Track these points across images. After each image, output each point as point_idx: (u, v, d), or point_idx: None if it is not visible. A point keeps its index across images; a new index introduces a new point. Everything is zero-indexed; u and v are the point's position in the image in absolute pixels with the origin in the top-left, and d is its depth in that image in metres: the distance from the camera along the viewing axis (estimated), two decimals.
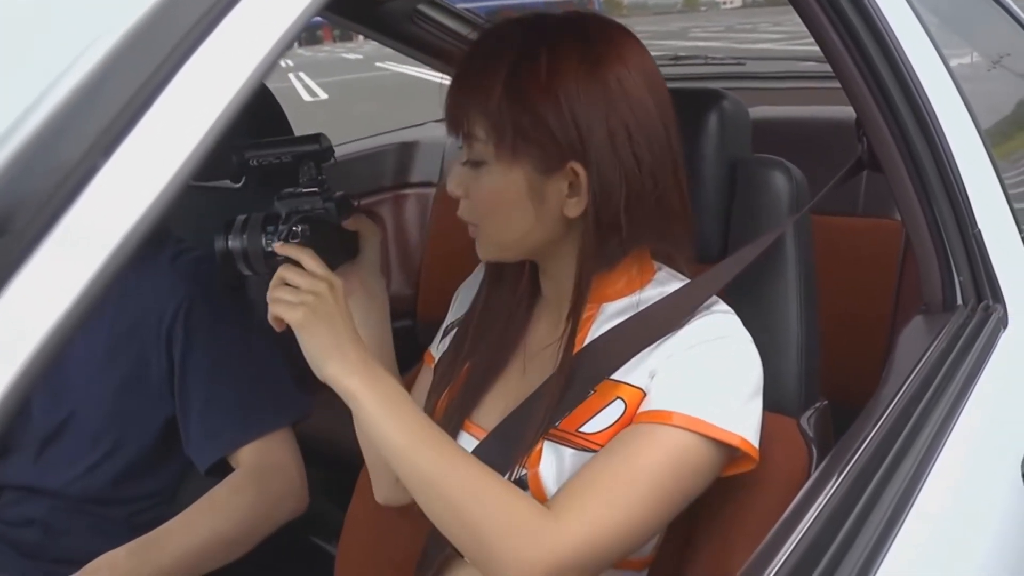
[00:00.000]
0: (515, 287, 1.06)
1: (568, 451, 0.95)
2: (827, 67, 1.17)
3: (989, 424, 1.14)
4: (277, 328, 0.93)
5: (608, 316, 0.98)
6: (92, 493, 1.33)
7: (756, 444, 0.93)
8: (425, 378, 1.14)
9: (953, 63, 1.33)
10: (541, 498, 0.94)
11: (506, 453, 0.96)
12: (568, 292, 0.97)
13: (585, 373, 0.96)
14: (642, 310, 0.96)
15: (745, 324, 0.97)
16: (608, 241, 0.93)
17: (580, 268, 0.95)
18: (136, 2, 0.44)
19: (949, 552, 0.98)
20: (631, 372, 0.94)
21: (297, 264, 0.93)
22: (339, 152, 2.40)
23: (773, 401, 1.05)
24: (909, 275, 1.73)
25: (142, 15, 0.43)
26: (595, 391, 0.95)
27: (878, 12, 1.11)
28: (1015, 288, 1.28)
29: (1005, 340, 1.22)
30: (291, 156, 1.02)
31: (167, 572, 1.21)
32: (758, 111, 1.38)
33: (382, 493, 1.17)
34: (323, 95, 16.17)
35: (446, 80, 0.96)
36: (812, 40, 1.14)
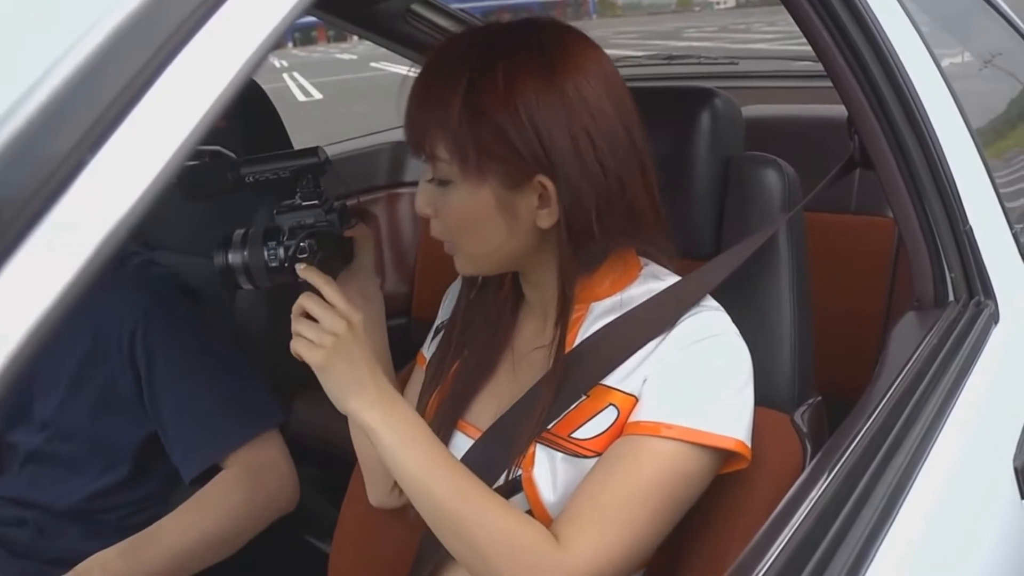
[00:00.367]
0: (498, 292, 1.07)
1: (559, 456, 0.95)
2: (820, 66, 1.18)
3: (981, 419, 1.14)
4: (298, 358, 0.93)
5: (597, 316, 0.99)
6: (82, 505, 1.33)
7: (749, 443, 0.93)
8: (417, 378, 1.14)
9: (945, 63, 1.34)
10: (535, 501, 0.95)
11: (501, 454, 0.97)
12: (551, 297, 0.98)
13: (576, 376, 0.96)
14: (631, 309, 0.96)
15: (738, 321, 0.97)
16: (584, 246, 0.94)
17: (562, 276, 0.95)
18: None
19: (941, 547, 0.98)
20: (624, 378, 0.95)
21: (315, 290, 0.93)
22: (333, 151, 2.40)
23: (767, 397, 1.06)
24: (902, 272, 1.74)
25: (132, 10, 0.43)
26: (588, 396, 0.96)
27: (869, 11, 1.11)
28: (1006, 284, 1.29)
29: (996, 335, 1.22)
30: (290, 171, 1.01)
31: (159, 571, 1.21)
32: (751, 110, 1.38)
33: (376, 496, 1.17)
34: (317, 95, 16.16)
35: None
36: (806, 40, 1.15)
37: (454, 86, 0.89)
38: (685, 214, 1.14)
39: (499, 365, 1.06)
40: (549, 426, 0.96)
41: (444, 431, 1.03)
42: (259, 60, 0.47)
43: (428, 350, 1.15)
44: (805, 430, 1.04)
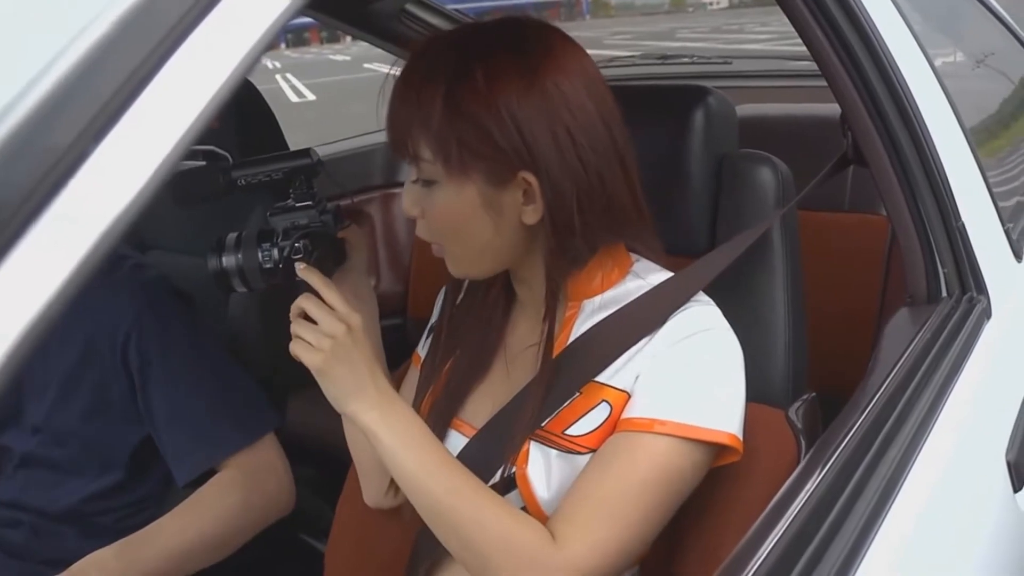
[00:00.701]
0: (488, 291, 1.07)
1: (554, 453, 0.96)
2: (813, 66, 1.18)
3: (973, 413, 1.15)
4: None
5: (590, 313, 0.99)
6: (78, 508, 1.33)
7: (741, 436, 0.94)
8: (413, 378, 1.15)
9: (938, 62, 1.35)
10: (530, 498, 0.96)
11: (495, 452, 0.97)
12: (542, 295, 0.99)
13: (570, 373, 0.97)
14: (624, 306, 0.97)
15: (733, 317, 0.97)
16: (569, 241, 0.94)
17: (548, 272, 0.96)
18: None
19: (935, 540, 0.99)
20: (617, 374, 0.95)
21: (314, 292, 0.93)
22: (328, 152, 2.41)
23: (761, 393, 1.06)
24: (895, 269, 1.74)
25: (131, 5, 0.44)
26: (581, 393, 0.96)
27: (863, 11, 1.12)
28: (998, 280, 1.30)
29: (989, 331, 1.23)
30: (282, 173, 1.01)
31: (155, 571, 1.21)
32: (745, 109, 1.39)
33: (371, 497, 1.18)
34: (311, 96, 16.15)
35: None
36: (799, 40, 1.15)
37: (435, 86, 0.89)
38: (680, 211, 1.14)
39: (493, 364, 1.06)
40: (543, 423, 0.96)
41: (438, 430, 1.03)
42: (257, 55, 0.47)
43: (423, 349, 1.15)
44: (800, 426, 1.05)
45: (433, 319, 1.16)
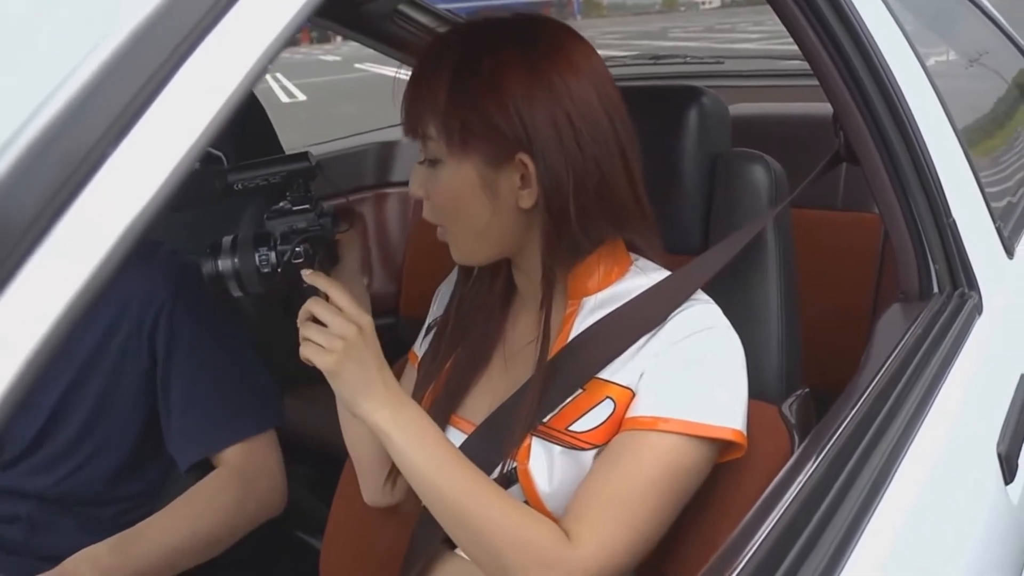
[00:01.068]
0: (491, 285, 1.08)
1: (557, 448, 0.97)
2: (806, 65, 1.19)
3: (965, 406, 1.16)
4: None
5: (590, 310, 1.00)
6: (76, 494, 1.33)
7: (745, 431, 0.96)
8: (409, 377, 1.15)
9: (931, 62, 1.36)
10: (531, 492, 0.97)
11: (495, 447, 0.98)
12: (547, 290, 1.00)
13: (570, 370, 0.97)
14: (625, 303, 0.98)
15: (727, 314, 0.98)
16: (565, 229, 0.95)
17: (544, 259, 0.97)
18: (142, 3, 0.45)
19: (926, 530, 1.00)
20: (619, 371, 0.96)
21: (321, 295, 0.93)
22: (320, 152, 2.41)
23: (755, 389, 1.07)
24: (888, 267, 1.75)
25: (148, 14, 0.45)
26: (584, 390, 0.97)
27: (854, 11, 1.13)
28: (989, 276, 1.31)
29: (980, 326, 1.24)
30: (280, 176, 1.00)
31: (149, 567, 1.21)
32: (737, 108, 1.40)
33: (370, 495, 1.18)
34: (301, 96, 16.10)
35: None
36: (792, 40, 1.16)
37: (444, 71, 0.93)
38: (674, 210, 1.15)
39: (492, 360, 1.07)
40: (545, 419, 0.97)
41: (439, 423, 1.03)
42: (271, 56, 0.49)
43: (420, 348, 1.16)
44: (793, 421, 1.05)
45: (430, 318, 1.17)
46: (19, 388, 0.40)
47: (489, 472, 0.97)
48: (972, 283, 1.27)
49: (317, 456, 1.53)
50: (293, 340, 0.94)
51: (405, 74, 0.99)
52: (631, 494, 0.90)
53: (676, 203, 1.15)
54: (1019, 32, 2.24)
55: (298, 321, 0.93)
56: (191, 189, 1.01)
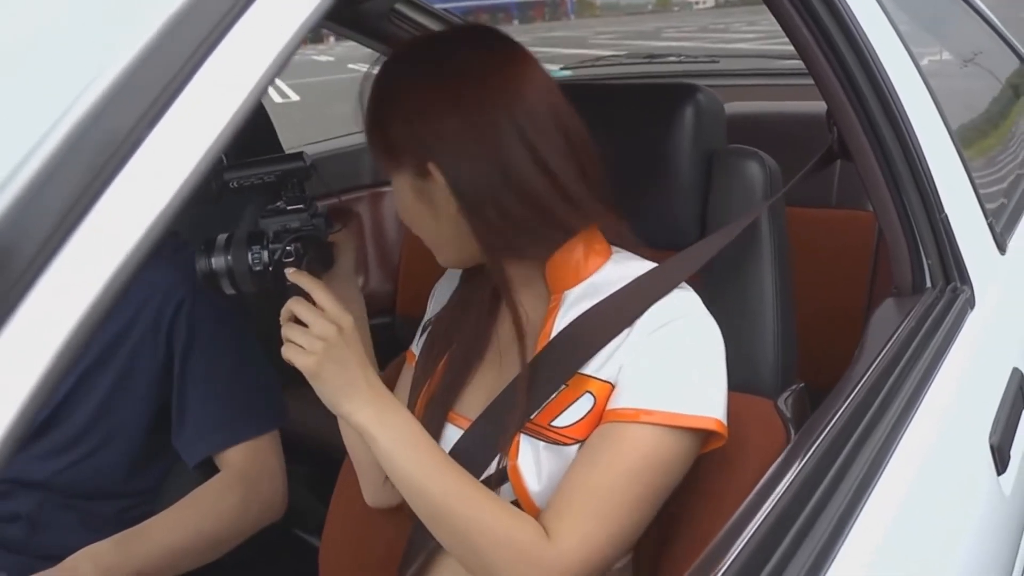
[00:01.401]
0: (483, 284, 1.08)
1: (542, 444, 0.97)
2: (800, 64, 1.20)
3: (957, 398, 1.17)
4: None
5: (571, 303, 1.00)
6: (79, 487, 1.33)
7: (726, 420, 0.95)
8: (407, 376, 1.16)
9: (924, 61, 1.37)
10: (521, 491, 0.97)
11: (487, 445, 0.99)
12: (525, 287, 1.02)
13: (555, 365, 0.98)
14: (606, 297, 0.98)
15: (723, 309, 0.99)
16: (497, 233, 0.96)
17: (488, 260, 0.99)
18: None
19: (919, 519, 1.01)
20: (601, 366, 0.96)
21: (304, 294, 0.93)
22: (316, 151, 2.41)
23: (751, 383, 1.08)
24: (883, 265, 1.76)
25: (172, 13, 0.47)
26: (567, 385, 0.97)
27: (848, 10, 1.14)
28: (982, 270, 1.32)
29: (972, 320, 1.26)
30: (275, 175, 1.01)
31: (150, 567, 1.21)
32: (732, 107, 1.40)
33: (371, 496, 1.19)
34: (295, 97, 16.06)
35: None
36: (786, 39, 1.17)
37: (372, 99, 0.99)
38: (670, 207, 1.16)
39: (486, 356, 1.08)
40: (532, 416, 0.98)
41: (435, 423, 1.05)
42: (291, 51, 0.51)
43: (417, 347, 1.16)
44: (788, 415, 1.06)
45: (427, 317, 1.18)
46: (67, 353, 0.42)
47: (482, 470, 0.98)
48: (964, 278, 1.28)
49: (316, 456, 1.54)
50: None
51: None
52: (611, 488, 0.90)
53: (673, 200, 1.16)
54: (1012, 32, 2.26)
55: (280, 320, 0.93)
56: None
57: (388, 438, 0.91)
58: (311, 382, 0.92)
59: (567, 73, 2.90)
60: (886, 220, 1.23)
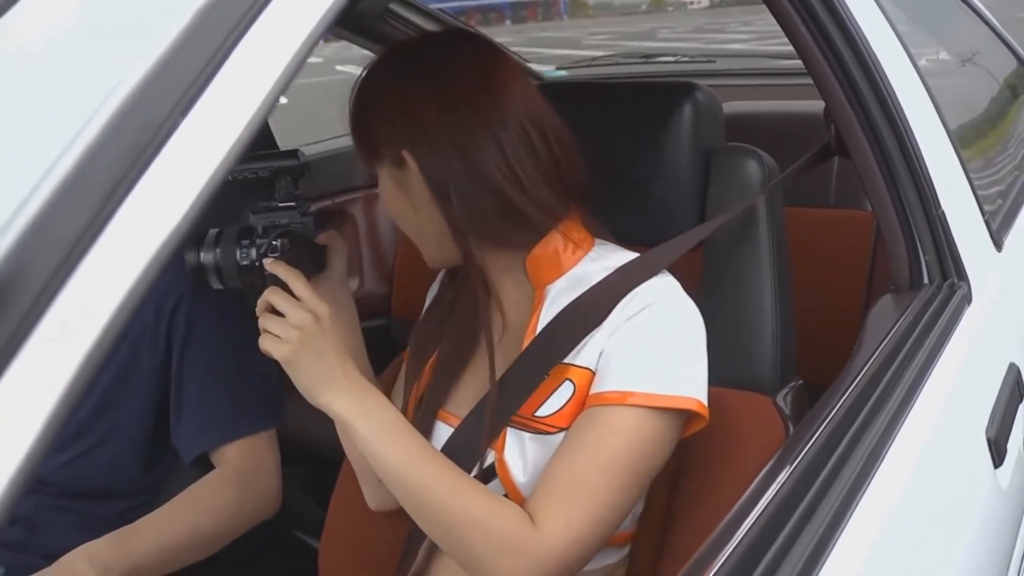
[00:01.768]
0: (468, 281, 1.08)
1: (527, 436, 0.98)
2: (796, 64, 1.21)
3: (954, 392, 1.18)
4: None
5: (554, 297, 1.01)
6: (77, 486, 1.33)
7: (706, 402, 0.95)
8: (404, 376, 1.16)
9: (922, 61, 1.38)
10: (508, 483, 0.98)
11: (475, 441, 1.00)
12: (506, 282, 1.04)
13: (540, 360, 0.98)
14: (587, 291, 0.98)
15: (722, 306, 0.99)
16: (469, 223, 0.97)
17: (461, 251, 1.00)
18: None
19: (916, 511, 1.02)
20: (579, 353, 0.97)
21: (283, 285, 0.94)
22: (310, 152, 2.40)
23: (750, 380, 1.09)
24: (880, 264, 1.77)
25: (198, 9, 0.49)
26: (548, 375, 0.98)
27: (846, 9, 1.15)
28: (979, 267, 1.33)
29: (969, 315, 1.26)
30: (269, 171, 1.02)
31: (148, 563, 1.21)
32: (729, 106, 1.41)
33: (372, 499, 1.19)
34: (282, 99, 16.02)
35: None
36: (782, 40, 1.17)
37: (360, 87, 1.01)
38: (668, 204, 1.16)
39: (475, 353, 1.08)
40: (516, 409, 0.98)
41: (426, 421, 1.06)
42: (313, 42, 0.54)
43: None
44: (787, 411, 1.07)
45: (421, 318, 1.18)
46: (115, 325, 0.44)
47: (471, 465, 0.98)
48: (961, 274, 1.28)
49: (315, 460, 1.54)
50: None
51: None
52: (595, 472, 0.90)
53: (671, 197, 1.16)
54: (1011, 33, 2.27)
55: (257, 311, 0.94)
56: None
57: (366, 428, 0.90)
58: (287, 371, 0.92)
59: (563, 74, 2.90)
60: (884, 217, 1.23)
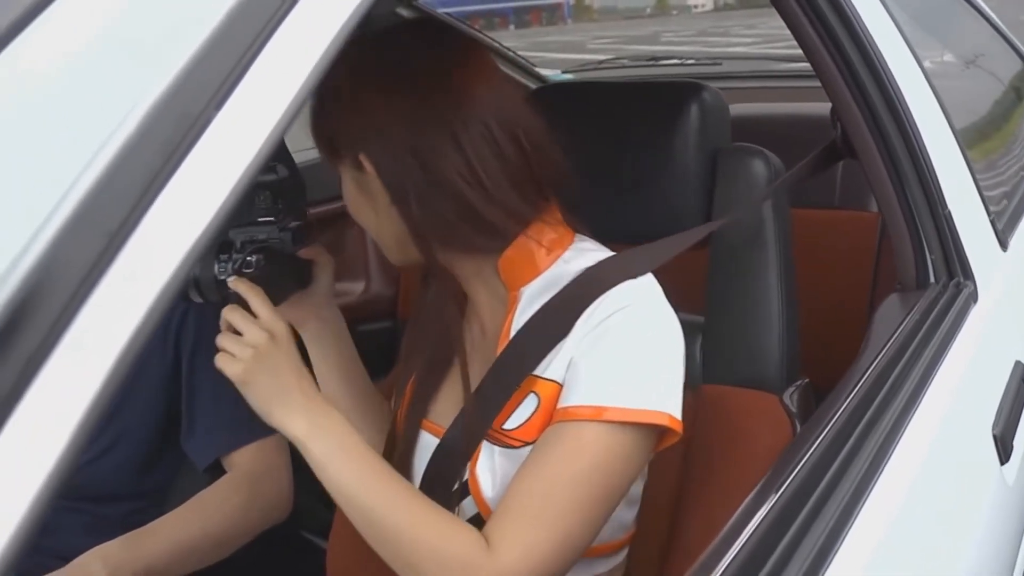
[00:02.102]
0: (444, 287, 1.05)
1: (497, 449, 0.95)
2: (801, 67, 1.21)
3: (961, 389, 1.18)
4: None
5: (528, 301, 0.97)
6: (86, 490, 1.33)
7: (680, 415, 0.90)
8: None
9: (927, 63, 1.38)
10: (479, 499, 0.95)
11: (457, 454, 0.98)
12: (477, 286, 1.01)
13: (512, 368, 0.95)
14: (557, 293, 0.94)
15: (729, 305, 0.99)
16: (428, 225, 0.93)
17: (423, 256, 0.96)
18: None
19: (924, 507, 1.02)
20: (548, 365, 0.93)
21: (245, 303, 0.92)
22: (311, 158, 2.40)
23: (756, 378, 1.09)
24: (885, 264, 1.77)
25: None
26: (519, 387, 0.94)
27: (853, 10, 1.15)
28: (984, 266, 1.33)
29: (975, 314, 1.27)
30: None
31: (157, 566, 1.22)
32: (735, 109, 1.42)
33: None
34: None
35: None
36: (786, 43, 1.18)
37: (319, 90, 0.96)
38: (675, 204, 1.17)
39: (455, 361, 1.04)
40: (492, 422, 0.95)
41: (411, 431, 1.04)
42: (342, 40, 0.55)
43: None
44: (794, 410, 1.07)
45: None
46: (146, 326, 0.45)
47: (454, 480, 0.97)
48: (967, 273, 1.29)
49: None
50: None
51: None
52: (560, 492, 0.86)
53: (678, 197, 1.17)
54: (1015, 34, 2.27)
55: (220, 327, 0.92)
56: None
57: (320, 449, 0.87)
58: (241, 390, 0.90)
59: (568, 77, 2.91)
60: (890, 216, 1.24)
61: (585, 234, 1.01)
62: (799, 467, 0.87)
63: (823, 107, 1.27)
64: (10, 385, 0.41)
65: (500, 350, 0.96)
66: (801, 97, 2.09)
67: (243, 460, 1.32)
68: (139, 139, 0.45)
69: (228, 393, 1.31)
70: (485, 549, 0.85)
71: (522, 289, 0.97)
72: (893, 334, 1.11)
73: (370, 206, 0.97)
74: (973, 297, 1.28)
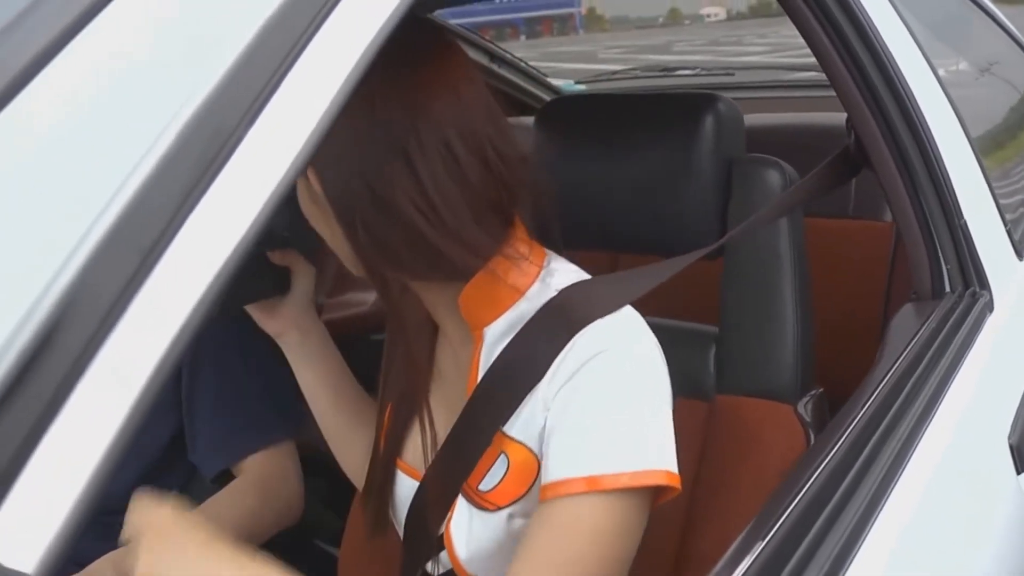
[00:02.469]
0: (412, 316, 0.98)
1: (475, 509, 0.88)
2: (814, 76, 1.21)
3: (977, 399, 1.17)
4: None
5: (494, 341, 0.88)
6: (100, 504, 1.34)
7: (676, 469, 0.81)
8: None
9: (942, 71, 1.38)
10: (452, 556, 0.89)
11: (434, 505, 0.92)
12: (445, 316, 0.92)
13: (482, 422, 0.87)
14: (518, 332, 0.85)
15: (743, 315, 0.98)
16: (375, 249, 0.84)
17: (367, 275, 0.88)
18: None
19: (939, 517, 1.01)
20: (515, 421, 0.85)
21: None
22: None
23: (770, 388, 1.09)
24: (899, 274, 1.77)
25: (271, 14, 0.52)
26: (491, 442, 0.87)
27: (867, 18, 1.15)
28: (1000, 275, 1.33)
29: (991, 324, 1.26)
30: None
31: None
32: (749, 119, 1.41)
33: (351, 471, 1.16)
34: None
35: None
36: (799, 52, 1.17)
37: None
38: (690, 215, 1.17)
39: (424, 398, 0.97)
40: (466, 478, 0.88)
41: (387, 472, 1.00)
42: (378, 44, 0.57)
43: None
44: (808, 419, 1.07)
45: None
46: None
47: (433, 534, 0.92)
48: (983, 283, 1.28)
49: (333, 471, 1.55)
50: None
51: None
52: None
53: (693, 208, 1.16)
54: None
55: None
56: None
57: None
58: None
59: (581, 88, 2.91)
60: (906, 226, 1.23)
61: (561, 251, 0.92)
62: (814, 477, 0.86)
63: (838, 117, 1.27)
64: (43, 406, 0.42)
65: (470, 390, 0.88)
66: (815, 107, 2.08)
67: (253, 466, 1.32)
68: (174, 155, 0.46)
69: (228, 404, 1.32)
70: None
71: (486, 329, 0.88)
72: (909, 343, 1.11)
73: (323, 219, 0.87)
74: (989, 306, 1.28)
